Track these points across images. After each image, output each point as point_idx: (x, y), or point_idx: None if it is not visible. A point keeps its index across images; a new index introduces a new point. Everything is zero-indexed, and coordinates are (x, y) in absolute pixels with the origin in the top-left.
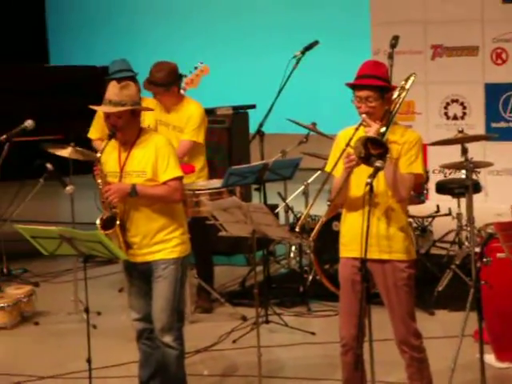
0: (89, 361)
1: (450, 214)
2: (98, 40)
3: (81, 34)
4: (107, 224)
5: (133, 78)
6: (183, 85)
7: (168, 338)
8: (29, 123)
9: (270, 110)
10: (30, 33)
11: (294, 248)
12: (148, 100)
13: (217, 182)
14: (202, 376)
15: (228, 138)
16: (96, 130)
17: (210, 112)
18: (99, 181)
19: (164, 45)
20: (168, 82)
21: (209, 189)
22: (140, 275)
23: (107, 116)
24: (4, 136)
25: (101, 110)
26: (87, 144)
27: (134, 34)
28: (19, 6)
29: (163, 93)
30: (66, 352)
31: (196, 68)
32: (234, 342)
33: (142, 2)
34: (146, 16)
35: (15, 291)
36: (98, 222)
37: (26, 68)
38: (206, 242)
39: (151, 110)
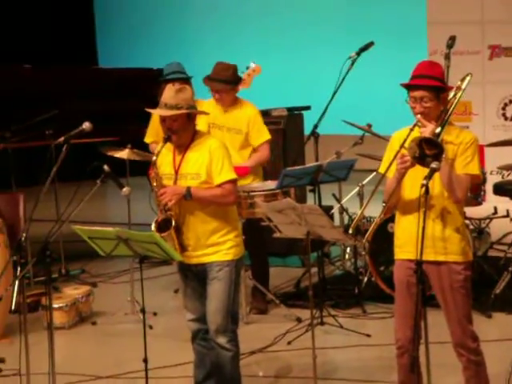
0: (145, 361)
1: (507, 215)
2: (144, 42)
3: (128, 36)
4: (162, 226)
5: (187, 81)
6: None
7: (222, 340)
8: (86, 125)
9: (324, 111)
10: (79, 35)
11: (348, 249)
12: (200, 102)
13: (271, 184)
14: (256, 377)
15: (283, 139)
16: (151, 134)
17: (264, 113)
18: (154, 183)
19: (215, 46)
20: (234, 80)
21: (263, 190)
22: (195, 277)
23: (163, 119)
24: (62, 138)
25: (157, 114)
26: (143, 145)
27: (183, 35)
28: (68, 8)
29: (229, 91)
30: (122, 352)
31: (248, 68)
32: (288, 343)
33: (191, 4)
34: (195, 17)
35: (73, 291)
36: (153, 224)
37: (85, 70)
38: (261, 243)
39: (207, 113)
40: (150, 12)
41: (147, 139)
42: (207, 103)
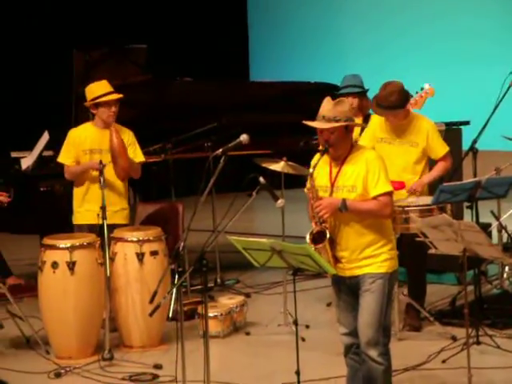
0: (297, 373)
1: None
2: (295, 56)
3: (280, 50)
4: (317, 238)
5: (361, 95)
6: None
7: (374, 353)
8: (244, 138)
9: (484, 126)
10: (233, 49)
11: (507, 268)
12: (377, 117)
13: (427, 199)
14: None
15: None
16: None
17: None
18: (310, 195)
19: (367, 57)
20: (402, 103)
21: (419, 205)
22: (348, 290)
23: (320, 132)
24: (220, 150)
25: (314, 126)
26: (299, 158)
27: (334, 48)
28: (223, 22)
29: (397, 113)
30: (275, 363)
31: (422, 89)
32: (443, 361)
33: (341, 17)
34: (347, 30)
35: (228, 301)
36: (307, 236)
37: (243, 83)
38: (418, 259)
39: (364, 125)
40: (301, 25)
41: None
42: (376, 117)
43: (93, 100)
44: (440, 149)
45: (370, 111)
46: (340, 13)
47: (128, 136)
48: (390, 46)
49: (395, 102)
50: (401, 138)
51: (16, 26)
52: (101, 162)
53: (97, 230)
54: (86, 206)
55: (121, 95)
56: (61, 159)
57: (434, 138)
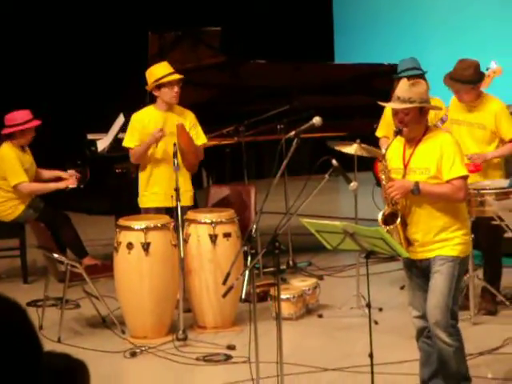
0: (371, 356)
1: None
2: (380, 39)
3: (364, 32)
4: (388, 219)
5: (422, 76)
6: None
7: (442, 334)
8: (317, 120)
9: None
10: (318, 32)
11: None
12: (435, 99)
13: (503, 182)
14: (485, 379)
15: None
16: (383, 129)
17: None
18: (383, 177)
19: (449, 41)
20: (475, 80)
21: (494, 188)
22: (420, 272)
23: (395, 113)
24: (293, 132)
25: (388, 107)
26: (372, 141)
27: (417, 32)
28: (307, 5)
29: (469, 90)
30: (348, 346)
31: (488, 68)
32: None
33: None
34: (430, 14)
35: (300, 283)
36: (379, 216)
37: (317, 65)
38: (494, 242)
39: (440, 108)
40: (385, 7)
41: (378, 133)
42: (440, 100)
43: (155, 82)
44: (508, 131)
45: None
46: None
47: (190, 118)
48: (470, 29)
49: (469, 77)
50: (470, 119)
51: (92, 9)
52: (175, 145)
53: (163, 212)
54: (151, 189)
55: (182, 76)
56: (126, 143)
57: (502, 119)
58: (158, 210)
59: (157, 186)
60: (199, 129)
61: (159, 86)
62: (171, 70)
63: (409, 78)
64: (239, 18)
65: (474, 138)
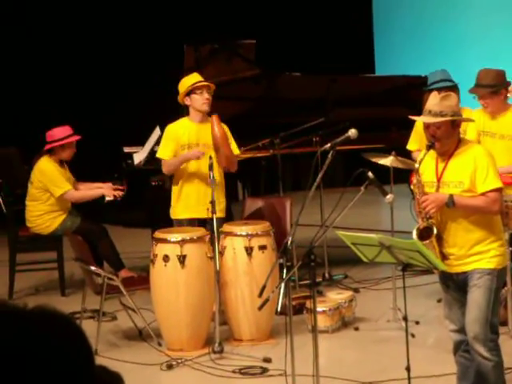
0: (408, 369)
1: None
2: (419, 50)
3: (404, 44)
4: (424, 234)
5: (453, 89)
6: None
7: (481, 348)
8: (352, 132)
9: None
10: (358, 44)
11: None
12: (467, 110)
13: None
14: None
15: None
16: (414, 142)
17: None
18: (416, 191)
19: (484, 56)
20: (495, 84)
21: None
22: (456, 286)
23: (427, 126)
24: (328, 144)
25: (420, 121)
26: (407, 152)
27: (457, 44)
28: (347, 17)
29: (489, 95)
30: (384, 359)
31: None
32: None
33: (463, 14)
34: (466, 28)
35: (336, 296)
36: (414, 232)
37: (352, 78)
38: None
39: (472, 120)
40: (425, 19)
41: (410, 146)
42: (475, 112)
43: (186, 90)
44: None
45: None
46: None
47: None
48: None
49: (489, 81)
50: (501, 131)
51: (129, 23)
52: (210, 157)
53: (195, 224)
54: (183, 201)
55: (212, 84)
56: (160, 154)
57: None
58: (191, 222)
59: (189, 198)
60: (232, 141)
61: (190, 94)
62: (201, 78)
63: (440, 90)
64: (277, 31)
65: (506, 151)
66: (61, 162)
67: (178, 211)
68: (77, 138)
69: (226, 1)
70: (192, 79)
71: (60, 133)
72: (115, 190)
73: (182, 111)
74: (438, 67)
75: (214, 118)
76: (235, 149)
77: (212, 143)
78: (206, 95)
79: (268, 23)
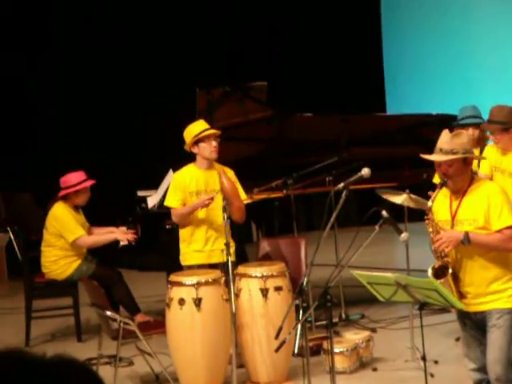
0: None
1: None
2: (430, 89)
3: (414, 83)
4: (439, 273)
5: (480, 126)
6: None
7: None
8: (365, 171)
9: None
10: (369, 83)
11: None
12: (489, 146)
13: None
14: None
15: None
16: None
17: None
18: (430, 229)
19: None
20: (507, 121)
21: None
22: (474, 325)
23: (438, 164)
24: (341, 184)
25: (431, 159)
26: (421, 191)
27: (468, 81)
28: (358, 58)
29: (501, 132)
30: None
31: None
32: None
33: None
34: (485, 64)
35: (354, 336)
36: (429, 271)
37: (364, 117)
38: None
39: (483, 158)
40: (435, 58)
41: (436, 180)
42: (488, 147)
43: (193, 138)
44: None
45: (488, 142)
46: (478, 45)
47: (230, 175)
48: None
49: (502, 118)
50: (510, 168)
51: (140, 67)
52: (224, 199)
53: (206, 268)
54: (193, 247)
55: (219, 131)
56: (168, 203)
57: None
58: (201, 267)
59: (199, 243)
60: (239, 185)
61: (197, 142)
62: (207, 126)
63: (467, 126)
64: (289, 72)
65: None
66: (75, 208)
67: (188, 257)
68: (91, 182)
69: (237, 44)
70: (198, 127)
71: (74, 178)
72: (128, 233)
73: (193, 155)
74: (452, 107)
75: (221, 173)
76: (242, 195)
77: (221, 192)
78: (214, 143)
79: (280, 64)
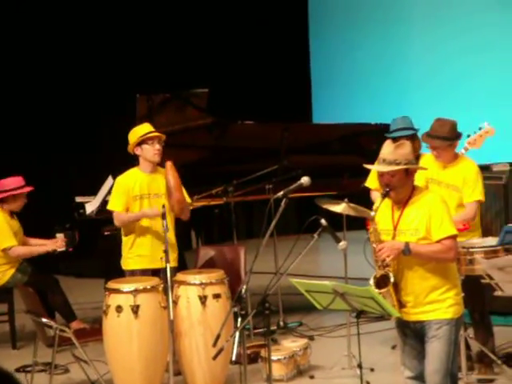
0: None
1: None
2: (357, 98)
3: (342, 92)
4: (381, 282)
5: (414, 136)
6: (466, 145)
7: None
8: (305, 180)
9: None
10: (295, 91)
11: None
12: (426, 156)
13: (492, 240)
14: None
15: (504, 194)
16: (374, 180)
17: (485, 168)
18: (372, 239)
19: (434, 100)
20: (451, 137)
21: (483, 247)
22: (413, 334)
23: (381, 174)
24: (281, 192)
25: (374, 169)
26: (360, 199)
27: (398, 89)
28: (285, 65)
29: (446, 147)
30: None
31: (480, 128)
32: None
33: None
34: (408, 69)
35: (291, 344)
36: (371, 280)
37: (304, 125)
38: (481, 300)
39: (425, 169)
40: (363, 65)
41: (369, 184)
42: (428, 156)
43: (136, 140)
44: (468, 194)
45: (421, 151)
46: (402, 53)
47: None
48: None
49: (446, 134)
50: (447, 180)
51: (82, 73)
52: (163, 206)
53: (149, 274)
54: (136, 251)
55: (164, 135)
56: (111, 207)
57: (468, 181)
58: (144, 272)
59: (142, 248)
60: (184, 190)
61: (141, 144)
62: (152, 129)
63: (400, 138)
64: (225, 79)
65: (450, 200)
66: (11, 214)
67: (131, 262)
68: (29, 188)
69: (178, 50)
70: (143, 129)
71: (12, 183)
72: (57, 242)
73: (133, 160)
74: (380, 116)
75: (169, 164)
76: (187, 197)
77: (165, 191)
78: (157, 146)
79: (221, 72)
